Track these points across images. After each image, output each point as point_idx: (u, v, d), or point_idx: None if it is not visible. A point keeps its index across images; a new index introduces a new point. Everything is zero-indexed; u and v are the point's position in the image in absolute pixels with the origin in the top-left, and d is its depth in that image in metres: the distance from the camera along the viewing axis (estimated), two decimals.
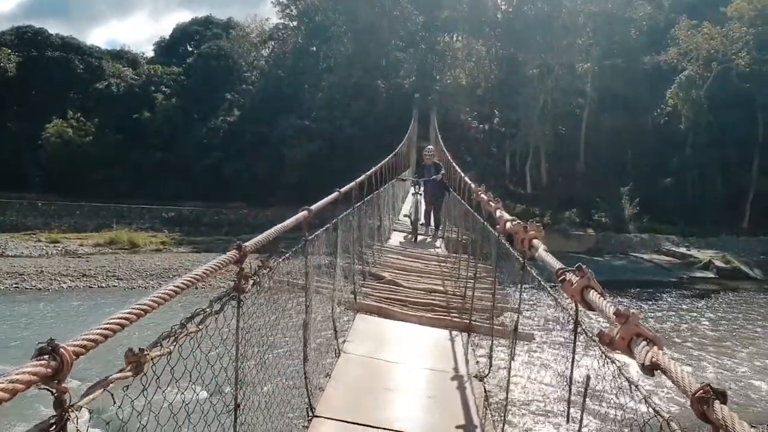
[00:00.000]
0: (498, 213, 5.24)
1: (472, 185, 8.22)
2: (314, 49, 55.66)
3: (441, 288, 8.88)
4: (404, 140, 26.41)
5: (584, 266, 2.33)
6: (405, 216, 16.10)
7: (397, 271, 9.72)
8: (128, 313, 1.72)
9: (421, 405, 5.12)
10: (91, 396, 1.54)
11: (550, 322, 4.10)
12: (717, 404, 1.27)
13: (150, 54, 66.58)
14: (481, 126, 52.59)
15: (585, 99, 48.71)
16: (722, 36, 44.14)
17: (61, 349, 1.37)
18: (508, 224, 4.48)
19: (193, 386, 2.34)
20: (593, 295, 2.17)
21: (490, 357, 5.59)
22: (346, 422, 4.48)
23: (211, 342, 2.46)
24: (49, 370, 1.33)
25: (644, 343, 1.63)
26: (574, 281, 2.34)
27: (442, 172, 13.56)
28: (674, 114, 45.82)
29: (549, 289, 3.54)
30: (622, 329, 1.72)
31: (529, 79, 47.84)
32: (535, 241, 3.59)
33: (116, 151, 49.24)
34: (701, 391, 1.32)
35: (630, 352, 1.68)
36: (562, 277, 2.50)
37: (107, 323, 1.62)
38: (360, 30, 50.81)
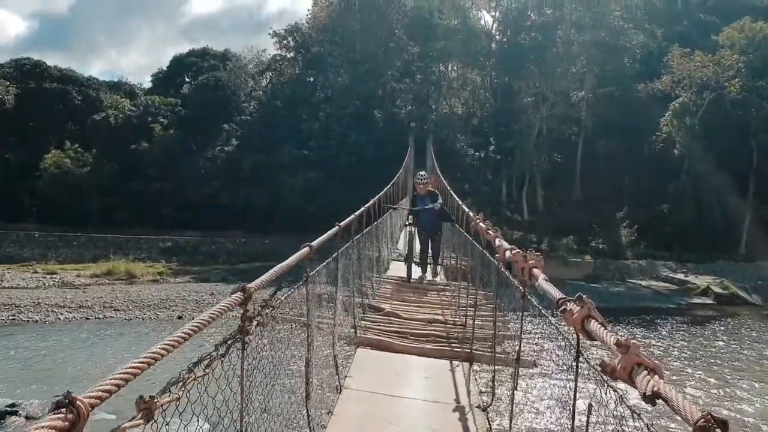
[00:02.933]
0: (497, 242, 5.28)
1: (470, 213, 8.26)
2: (311, 79, 56.24)
3: (441, 317, 8.88)
4: (401, 169, 26.54)
5: (585, 296, 2.35)
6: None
7: (396, 302, 9.72)
8: (140, 362, 1.75)
9: None
10: None
11: (552, 352, 4.12)
12: None
13: (148, 85, 67.12)
14: (477, 154, 52.96)
15: (580, 126, 49.18)
16: (714, 64, 44.69)
17: (78, 402, 1.39)
18: (508, 253, 4.52)
19: (201, 430, 2.36)
20: (594, 325, 2.19)
21: (493, 387, 5.59)
22: None
23: (217, 385, 2.48)
24: (67, 423, 1.35)
25: (645, 372, 1.65)
26: (575, 311, 2.35)
27: (440, 201, 11.94)
28: (669, 141, 46.19)
29: (551, 318, 3.57)
30: (624, 359, 1.74)
31: (524, 108, 48.33)
32: (535, 271, 3.62)
33: (114, 181, 49.34)
34: (702, 419, 1.34)
35: (632, 382, 1.70)
36: (563, 306, 2.51)
37: (121, 373, 1.65)
38: (356, 61, 51.42)
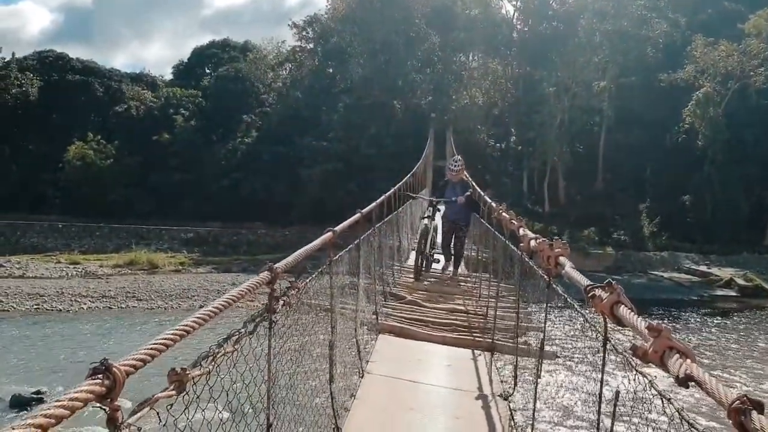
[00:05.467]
0: (522, 231, 5.26)
1: (493, 204, 8.22)
2: (331, 70, 56.19)
3: (462, 307, 8.87)
4: (421, 160, 26.47)
5: (614, 282, 2.34)
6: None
7: (417, 291, 9.72)
8: (173, 333, 1.77)
9: (447, 425, 5.11)
10: (139, 414, 1.58)
11: (577, 339, 4.09)
12: (755, 414, 1.28)
13: (169, 77, 67.60)
14: (497, 145, 52.63)
15: (602, 117, 48.67)
16: (739, 53, 43.96)
17: (114, 369, 1.41)
18: (533, 242, 4.50)
19: (229, 405, 2.39)
20: (624, 311, 2.18)
21: (515, 376, 5.57)
22: None
23: (245, 362, 2.51)
24: (103, 388, 1.37)
25: (677, 356, 1.63)
26: (603, 297, 2.35)
27: (469, 191, 10.59)
28: (692, 131, 45.52)
29: (577, 306, 3.55)
30: (655, 343, 1.72)
31: (545, 98, 47.88)
32: (562, 259, 3.60)
33: (136, 172, 49.95)
34: (738, 401, 1.32)
35: (664, 365, 1.68)
36: (592, 293, 2.51)
37: (155, 343, 1.67)
38: (376, 51, 51.24)
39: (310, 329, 4.07)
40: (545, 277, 4.19)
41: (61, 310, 24.50)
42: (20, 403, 13.51)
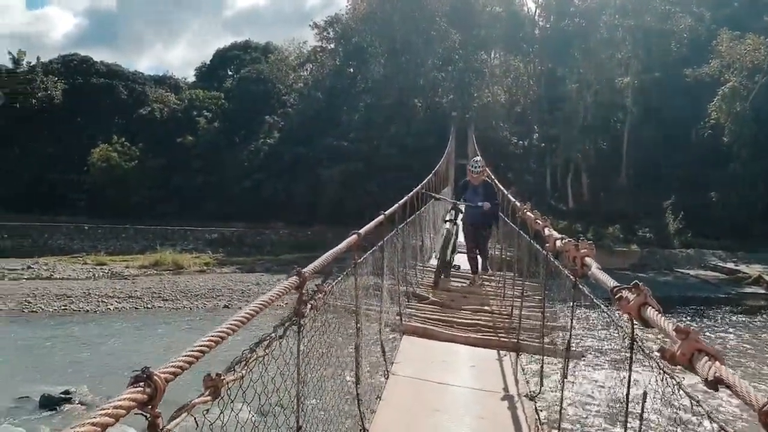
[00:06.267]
0: (547, 231, 5.26)
1: (517, 203, 8.20)
2: (351, 70, 56.25)
3: (486, 307, 8.86)
4: (443, 159, 26.42)
5: (641, 283, 2.35)
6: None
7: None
8: (209, 340, 1.82)
9: (473, 426, 5.12)
10: (177, 420, 1.63)
11: (603, 340, 4.09)
12: None
13: (192, 79, 68.25)
14: (520, 142, 52.34)
15: (625, 113, 48.18)
16: (767, 46, 43.25)
17: (155, 377, 1.46)
18: (558, 242, 4.50)
19: (261, 408, 2.44)
20: (651, 312, 2.18)
21: (541, 376, 5.58)
22: None
23: (276, 366, 2.56)
24: (145, 396, 1.42)
25: (706, 358, 1.63)
26: (630, 299, 2.35)
27: (497, 201, 10.03)
28: (717, 127, 44.87)
29: (603, 306, 3.55)
30: (684, 345, 1.72)
31: (568, 94, 47.56)
32: (588, 259, 3.61)
33: (160, 174, 50.51)
34: None
35: (692, 368, 1.68)
36: (619, 294, 2.51)
37: (192, 350, 1.72)
38: (396, 50, 51.23)
39: (335, 331, 4.12)
40: (571, 277, 4.19)
41: (88, 310, 24.83)
42: (50, 403, 13.65)
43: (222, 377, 1.90)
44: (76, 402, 13.83)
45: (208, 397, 1.82)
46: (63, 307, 24.96)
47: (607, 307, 3.36)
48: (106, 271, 34.07)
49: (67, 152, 52.85)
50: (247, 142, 52.59)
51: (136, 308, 25.56)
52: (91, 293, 27.29)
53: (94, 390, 14.55)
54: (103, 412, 1.30)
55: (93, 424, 1.24)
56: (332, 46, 57.84)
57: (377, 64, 52.65)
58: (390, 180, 38.95)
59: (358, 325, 4.70)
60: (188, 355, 1.68)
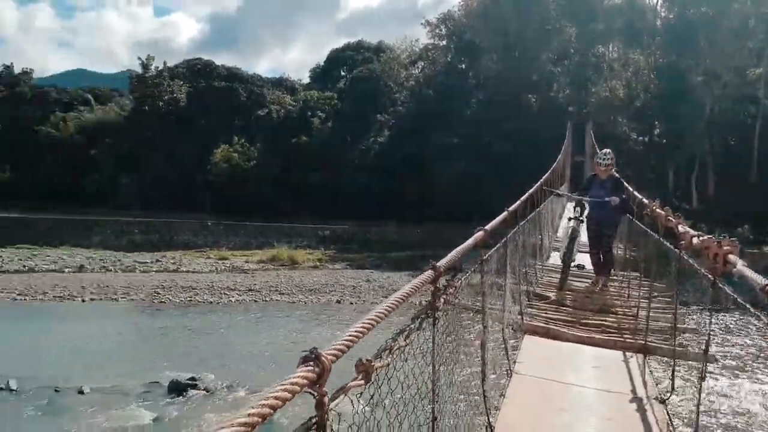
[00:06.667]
0: (681, 228, 5.03)
1: (645, 200, 7.87)
2: (463, 66, 55.93)
3: (610, 308, 8.57)
4: (560, 155, 25.75)
5: None
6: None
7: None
8: (362, 325, 1.90)
9: (600, 427, 4.99)
10: (337, 400, 1.70)
11: (744, 342, 3.87)
12: None
13: (307, 80, 70.36)
14: (640, 138, 50.06)
15: (757, 106, 44.89)
16: None
17: (323, 357, 1.52)
18: (695, 240, 4.29)
19: (402, 397, 2.49)
20: None
21: (672, 379, 5.33)
22: None
23: (414, 356, 2.60)
24: (314, 375, 1.49)
25: None
26: None
27: (624, 196, 9.26)
28: None
29: (750, 308, 3.35)
30: None
31: (692, 88, 44.92)
32: (732, 257, 3.41)
33: (276, 173, 52.46)
34: None
35: None
36: None
37: (351, 334, 1.80)
38: (510, 45, 50.43)
39: (462, 327, 4.13)
40: (710, 276, 3.95)
41: (211, 302, 26.26)
42: (177, 389, 14.45)
43: (372, 362, 1.96)
44: (202, 388, 14.58)
45: (361, 381, 1.88)
46: (188, 299, 26.53)
47: (760, 309, 3.15)
48: (228, 265, 35.91)
49: (191, 152, 55.98)
50: (359, 141, 53.59)
51: (255, 301, 26.75)
52: (214, 286, 28.88)
53: (221, 377, 15.32)
54: (281, 387, 1.37)
55: (276, 398, 1.32)
56: (444, 43, 57.72)
57: (490, 60, 52.02)
58: (503, 177, 38.34)
59: (484, 322, 4.68)
60: (348, 339, 1.76)
